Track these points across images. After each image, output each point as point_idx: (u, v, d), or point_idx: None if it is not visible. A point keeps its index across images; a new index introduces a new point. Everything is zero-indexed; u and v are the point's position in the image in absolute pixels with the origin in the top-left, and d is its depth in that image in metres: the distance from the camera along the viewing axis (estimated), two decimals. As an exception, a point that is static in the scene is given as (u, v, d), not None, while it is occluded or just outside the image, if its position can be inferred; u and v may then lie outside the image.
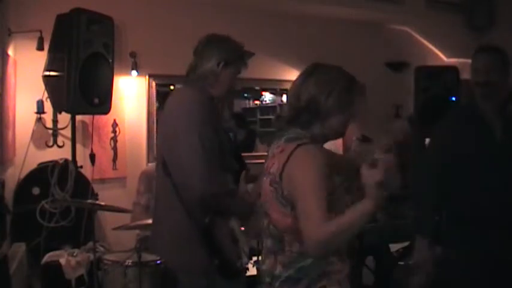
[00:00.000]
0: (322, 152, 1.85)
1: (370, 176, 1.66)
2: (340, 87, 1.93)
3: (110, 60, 3.93)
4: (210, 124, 2.25)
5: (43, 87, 3.85)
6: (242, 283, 2.56)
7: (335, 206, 1.78)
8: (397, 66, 5.88)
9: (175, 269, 2.34)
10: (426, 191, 2.74)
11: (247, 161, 3.29)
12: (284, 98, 5.52)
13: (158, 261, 3.08)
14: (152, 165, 3.97)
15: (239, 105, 5.40)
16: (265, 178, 1.90)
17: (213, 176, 2.19)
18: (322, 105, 1.87)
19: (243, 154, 4.03)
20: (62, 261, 3.59)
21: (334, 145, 5.72)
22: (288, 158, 1.80)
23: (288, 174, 1.79)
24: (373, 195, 1.65)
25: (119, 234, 3.67)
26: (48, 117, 4.17)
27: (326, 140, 1.96)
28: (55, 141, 4.23)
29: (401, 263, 4.31)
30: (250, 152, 4.97)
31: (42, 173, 3.92)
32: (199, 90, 2.31)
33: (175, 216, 2.27)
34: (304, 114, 1.87)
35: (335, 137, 1.99)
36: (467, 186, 2.61)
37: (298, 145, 1.81)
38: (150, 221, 3.16)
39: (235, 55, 2.41)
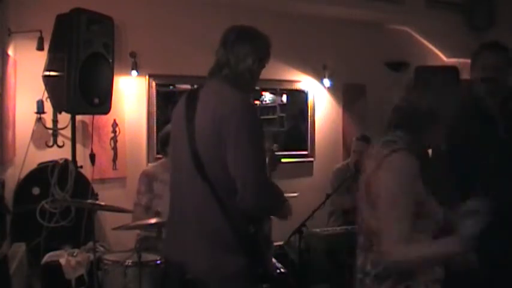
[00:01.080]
0: (414, 161, 1.83)
1: (468, 227, 1.67)
2: (455, 102, 1.95)
3: (110, 60, 3.93)
4: (262, 131, 2.19)
5: (43, 87, 3.85)
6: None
7: (424, 217, 1.79)
8: (397, 66, 5.88)
9: (209, 277, 2.15)
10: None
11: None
12: (284, 98, 5.53)
13: (158, 261, 3.08)
14: (152, 165, 3.97)
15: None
16: (362, 176, 1.93)
17: (268, 187, 2.14)
18: (437, 114, 1.88)
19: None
20: (62, 261, 3.59)
21: (335, 145, 5.72)
22: (381, 162, 1.82)
23: (378, 178, 1.81)
24: (466, 243, 1.67)
25: (119, 234, 3.67)
26: (48, 117, 4.17)
27: (422, 148, 1.97)
28: (55, 141, 4.23)
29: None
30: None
31: (42, 173, 3.92)
32: (242, 90, 2.20)
33: (210, 221, 2.14)
34: (416, 119, 1.89)
35: (432, 144, 2.04)
36: (470, 184, 2.61)
37: (393, 151, 1.82)
38: (150, 221, 3.17)
39: (267, 51, 2.34)
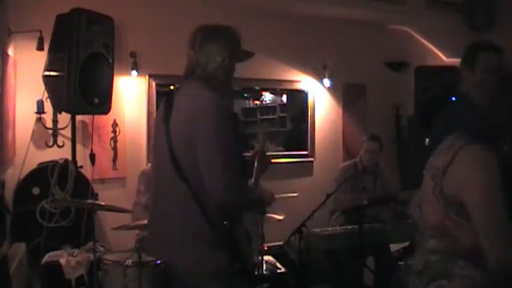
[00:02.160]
0: (492, 154, 1.74)
1: None
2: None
3: (110, 60, 3.93)
4: (232, 130, 2.20)
5: (43, 87, 3.84)
6: (251, 283, 2.54)
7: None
8: (397, 66, 5.88)
9: (185, 273, 2.22)
10: None
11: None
12: (284, 98, 5.52)
13: (158, 261, 3.08)
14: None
15: (239, 105, 5.40)
16: (427, 172, 1.89)
17: (235, 185, 2.15)
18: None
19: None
20: (62, 261, 3.59)
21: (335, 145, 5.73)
22: (455, 155, 1.76)
23: (455, 172, 1.75)
24: None
25: (119, 234, 3.67)
26: (48, 117, 4.17)
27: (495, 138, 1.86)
28: (55, 141, 4.23)
29: (401, 263, 4.30)
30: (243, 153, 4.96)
31: (42, 173, 3.92)
32: (216, 91, 2.23)
33: (190, 219, 2.19)
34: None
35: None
36: None
37: (466, 143, 1.76)
38: (150, 221, 3.17)
39: (237, 45, 2.36)
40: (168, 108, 2.27)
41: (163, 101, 2.36)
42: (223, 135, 2.14)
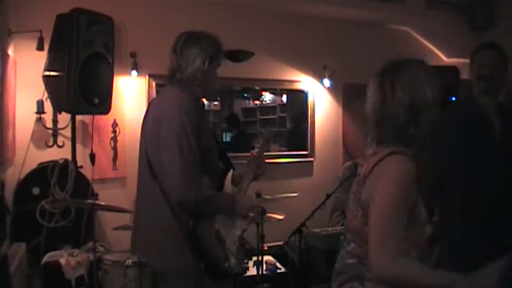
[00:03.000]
0: (413, 165, 1.70)
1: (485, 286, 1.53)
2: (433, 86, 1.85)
3: (110, 60, 3.93)
4: (193, 128, 2.26)
5: (43, 87, 3.84)
6: (229, 284, 2.57)
7: (414, 223, 1.69)
8: (397, 66, 5.88)
9: (164, 270, 2.37)
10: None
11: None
12: (284, 98, 5.53)
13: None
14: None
15: (239, 105, 5.40)
16: (355, 178, 1.87)
17: (191, 183, 2.22)
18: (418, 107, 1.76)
19: (238, 155, 4.07)
20: (62, 261, 3.59)
21: (335, 145, 5.72)
22: (376, 163, 1.73)
23: (372, 181, 1.73)
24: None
25: (119, 234, 3.67)
26: (48, 117, 4.17)
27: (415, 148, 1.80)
28: (55, 141, 4.23)
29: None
30: (242, 152, 4.96)
31: (42, 173, 3.92)
32: (186, 92, 2.34)
33: (162, 218, 2.29)
34: (401, 128, 1.76)
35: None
36: (467, 185, 2.61)
37: (390, 153, 1.72)
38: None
39: (216, 49, 2.44)
40: (147, 112, 2.44)
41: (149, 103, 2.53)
42: (182, 135, 2.22)
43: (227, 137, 5.38)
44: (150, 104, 2.46)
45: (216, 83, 2.50)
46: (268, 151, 4.83)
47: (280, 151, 5.44)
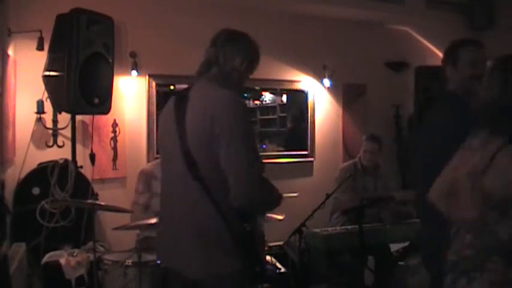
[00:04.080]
0: None
1: None
2: None
3: (110, 60, 3.93)
4: (253, 129, 2.23)
5: (43, 87, 3.84)
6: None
7: None
8: (397, 66, 5.88)
9: (204, 278, 2.14)
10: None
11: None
12: (284, 98, 5.52)
13: (158, 261, 3.09)
14: (151, 164, 3.97)
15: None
16: (459, 167, 1.91)
17: (258, 187, 2.12)
18: None
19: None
20: (62, 261, 3.59)
21: (335, 146, 5.73)
22: (495, 153, 1.79)
23: (498, 169, 1.79)
24: None
25: (119, 234, 3.67)
26: (48, 117, 4.17)
27: None
28: (55, 141, 4.23)
29: (401, 263, 4.31)
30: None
31: (42, 173, 3.93)
32: (232, 90, 2.23)
33: (205, 222, 2.13)
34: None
35: None
36: None
37: (505, 144, 1.79)
38: (150, 221, 3.16)
39: (256, 53, 2.37)
40: (180, 107, 2.22)
41: (173, 99, 2.32)
42: (247, 132, 2.13)
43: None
44: (182, 101, 2.23)
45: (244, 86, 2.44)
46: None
47: (280, 151, 5.44)
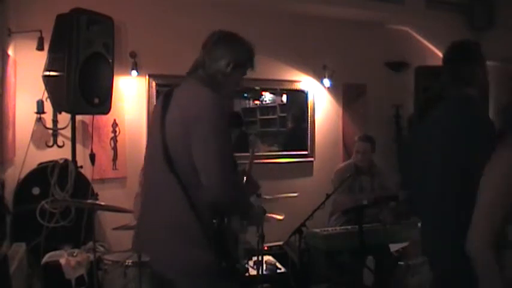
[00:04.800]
0: None
1: None
2: None
3: (110, 60, 3.93)
4: (229, 130, 2.27)
5: (43, 87, 3.85)
6: (237, 285, 2.55)
7: None
8: (397, 66, 5.88)
9: (172, 270, 2.23)
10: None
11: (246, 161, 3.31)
12: (284, 98, 5.53)
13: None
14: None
15: (239, 105, 5.39)
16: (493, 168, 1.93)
17: (231, 185, 2.19)
18: None
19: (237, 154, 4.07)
20: (62, 261, 3.59)
21: (335, 145, 5.72)
22: None
23: None
24: None
25: (119, 234, 3.67)
26: (48, 117, 4.17)
27: None
28: (55, 141, 4.23)
29: (401, 263, 4.31)
30: (243, 152, 4.98)
31: (42, 173, 3.93)
32: (214, 90, 2.26)
33: (179, 215, 2.21)
34: None
35: None
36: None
37: None
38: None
39: (246, 57, 2.38)
40: (165, 104, 2.31)
41: (161, 96, 2.39)
42: (222, 133, 2.18)
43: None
44: (167, 98, 2.32)
45: (235, 89, 2.47)
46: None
47: (280, 151, 5.44)
